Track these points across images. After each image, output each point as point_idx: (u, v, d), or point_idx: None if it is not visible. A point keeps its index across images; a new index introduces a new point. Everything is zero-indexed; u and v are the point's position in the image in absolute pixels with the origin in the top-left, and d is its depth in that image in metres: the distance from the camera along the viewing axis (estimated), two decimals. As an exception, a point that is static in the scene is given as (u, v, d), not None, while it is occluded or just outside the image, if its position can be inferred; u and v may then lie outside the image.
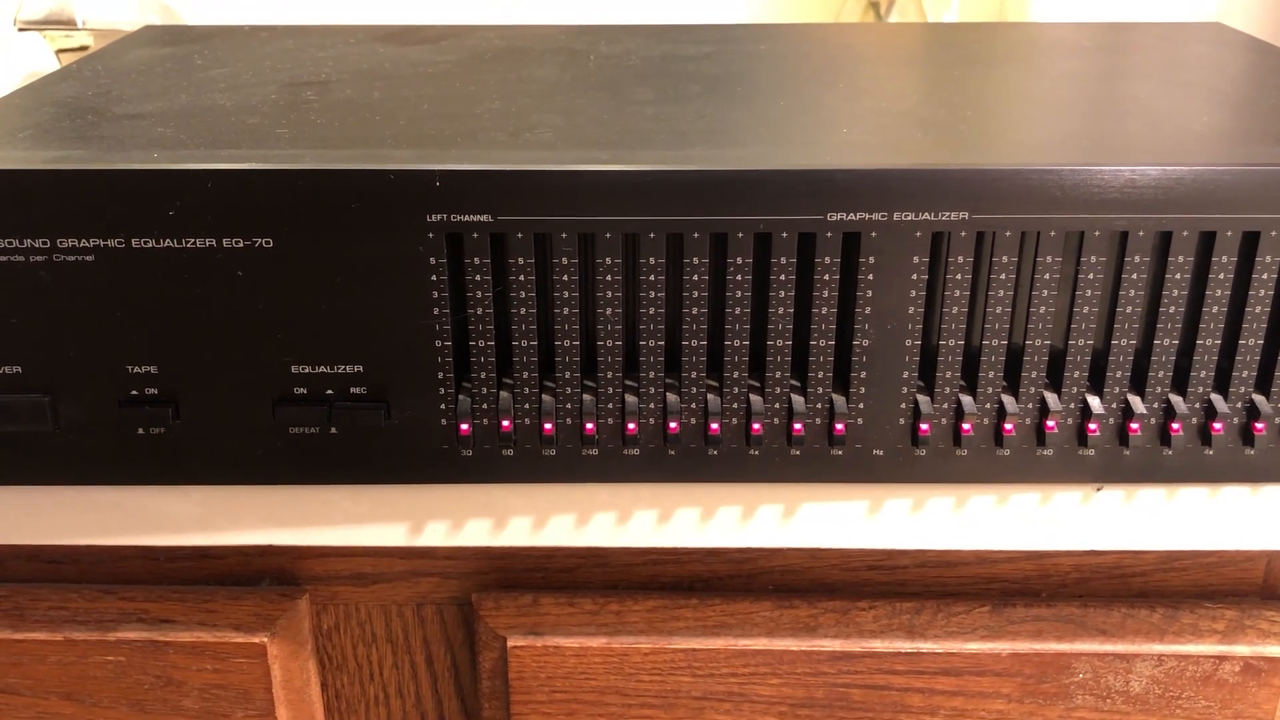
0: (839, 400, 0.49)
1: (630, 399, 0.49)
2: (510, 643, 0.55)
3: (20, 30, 0.91)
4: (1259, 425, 0.49)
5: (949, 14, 1.02)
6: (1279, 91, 0.59)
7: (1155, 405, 0.49)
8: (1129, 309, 0.48)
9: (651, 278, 0.47)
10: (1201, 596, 0.57)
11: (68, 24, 0.90)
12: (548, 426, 0.49)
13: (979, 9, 1.05)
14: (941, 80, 0.63)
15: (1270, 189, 0.45)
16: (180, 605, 0.56)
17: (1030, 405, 0.49)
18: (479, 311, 0.47)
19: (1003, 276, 0.47)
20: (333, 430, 0.49)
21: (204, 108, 0.54)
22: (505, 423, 0.49)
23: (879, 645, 0.55)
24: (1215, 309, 0.48)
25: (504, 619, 0.55)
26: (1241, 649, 0.55)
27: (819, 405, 0.49)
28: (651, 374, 0.49)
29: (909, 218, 0.46)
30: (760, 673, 0.55)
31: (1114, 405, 0.49)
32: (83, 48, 0.93)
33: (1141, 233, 0.46)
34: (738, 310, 0.47)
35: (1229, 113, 0.55)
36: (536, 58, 0.65)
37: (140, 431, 0.49)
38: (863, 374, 0.48)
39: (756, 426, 0.49)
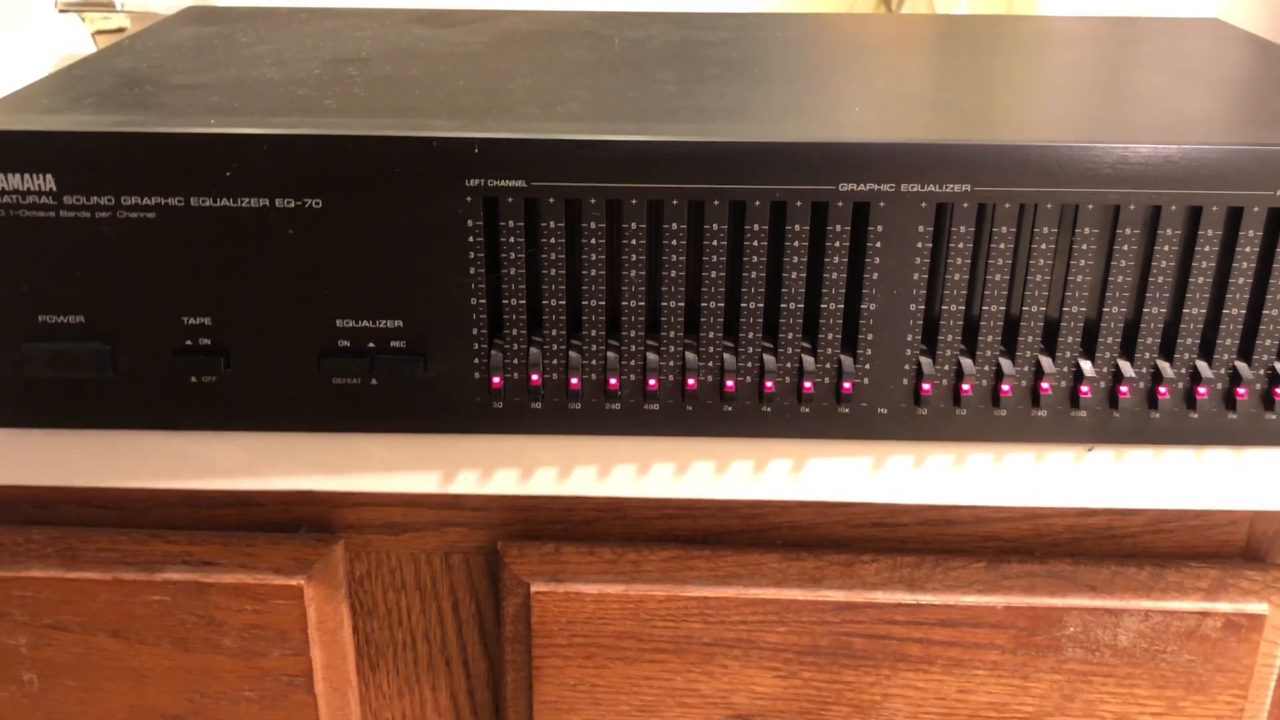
0: (847, 361, 0.52)
1: (651, 357, 0.52)
2: (533, 588, 0.58)
3: (61, 12, 0.94)
4: (1241, 390, 0.52)
5: (959, 9, 1.05)
6: (1268, 81, 0.63)
7: (1144, 370, 0.52)
8: (1120, 278, 0.51)
9: (674, 242, 0.50)
10: (1187, 556, 0.60)
11: (106, 6, 0.94)
12: (574, 381, 0.52)
13: (987, 4, 1.07)
14: (948, 66, 0.66)
15: (1254, 167, 0.48)
16: (223, 549, 0.59)
17: (1026, 368, 0.52)
18: (512, 271, 0.50)
19: (1002, 246, 0.50)
20: (373, 381, 0.52)
21: (254, 80, 0.57)
22: (534, 377, 0.52)
23: (881, 597, 0.58)
24: (1201, 280, 0.51)
25: (528, 566, 0.59)
26: (1224, 606, 0.58)
27: (828, 365, 0.52)
28: (672, 333, 0.52)
29: (915, 189, 0.49)
30: (768, 621, 0.59)
31: (1105, 369, 0.52)
32: (119, 30, 0.97)
33: (1133, 206, 0.49)
34: (754, 274, 0.51)
35: (1220, 99, 0.58)
36: (564, 40, 0.69)
37: (193, 379, 0.52)
38: (869, 336, 0.52)
39: (769, 384, 0.52)
